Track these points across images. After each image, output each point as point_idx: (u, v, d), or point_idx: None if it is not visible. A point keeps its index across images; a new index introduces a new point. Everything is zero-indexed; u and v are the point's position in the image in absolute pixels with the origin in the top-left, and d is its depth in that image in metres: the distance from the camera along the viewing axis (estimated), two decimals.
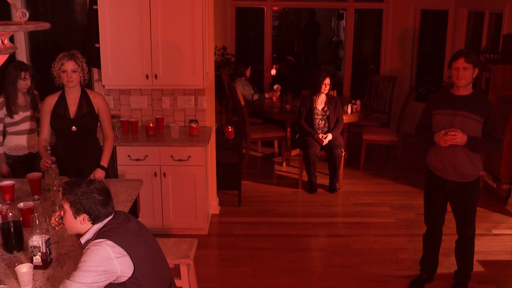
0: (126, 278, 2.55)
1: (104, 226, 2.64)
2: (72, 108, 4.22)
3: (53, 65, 4.15)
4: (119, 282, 2.56)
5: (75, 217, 2.63)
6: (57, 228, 2.82)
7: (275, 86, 8.24)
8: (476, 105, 3.87)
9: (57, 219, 2.78)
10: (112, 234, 2.56)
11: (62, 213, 2.71)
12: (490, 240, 5.29)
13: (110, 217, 2.68)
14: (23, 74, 4.64)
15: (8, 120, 4.69)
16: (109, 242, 2.51)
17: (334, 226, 5.74)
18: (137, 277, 2.56)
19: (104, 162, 4.28)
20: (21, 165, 4.78)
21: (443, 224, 4.36)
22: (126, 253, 2.53)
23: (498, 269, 4.76)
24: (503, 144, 4.00)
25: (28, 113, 4.75)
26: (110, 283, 2.54)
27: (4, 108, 4.64)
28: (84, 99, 4.25)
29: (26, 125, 4.76)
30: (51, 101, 4.23)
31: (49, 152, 4.08)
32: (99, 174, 4.20)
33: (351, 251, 5.13)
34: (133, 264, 2.55)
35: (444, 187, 4.14)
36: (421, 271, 4.54)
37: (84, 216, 2.62)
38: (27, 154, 4.81)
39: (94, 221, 2.63)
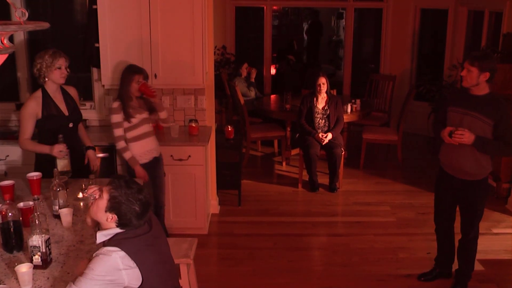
0: None
1: (122, 233, 2.55)
2: (62, 105, 4.26)
3: (40, 63, 4.11)
4: None
5: (106, 212, 2.54)
6: (85, 195, 2.65)
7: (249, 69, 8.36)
8: (488, 107, 3.83)
9: (91, 196, 2.67)
10: (126, 244, 2.49)
11: (97, 195, 2.60)
12: (490, 239, 5.29)
13: None
14: (136, 77, 4.50)
15: (126, 124, 4.54)
16: (121, 253, 2.45)
17: (334, 225, 5.74)
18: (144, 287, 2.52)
19: (90, 143, 4.61)
20: (148, 171, 4.67)
21: (453, 223, 4.35)
22: (135, 265, 2.48)
23: (498, 268, 4.76)
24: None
25: (144, 115, 4.64)
26: None
27: (122, 112, 4.50)
28: (66, 95, 4.33)
29: (144, 128, 4.65)
30: (35, 105, 4.14)
31: (61, 139, 4.07)
32: (92, 155, 4.51)
33: (351, 250, 5.13)
34: (142, 277, 2.50)
35: (451, 184, 4.14)
36: (434, 265, 4.57)
37: (114, 217, 2.53)
38: (152, 159, 4.74)
39: (121, 226, 2.55)
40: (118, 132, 4.53)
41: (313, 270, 4.79)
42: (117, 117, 4.50)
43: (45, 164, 4.11)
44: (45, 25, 2.41)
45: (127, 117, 4.49)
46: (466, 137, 3.80)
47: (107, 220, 2.54)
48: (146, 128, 4.66)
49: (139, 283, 2.51)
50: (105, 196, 2.55)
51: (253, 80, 8.37)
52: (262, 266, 4.82)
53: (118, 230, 2.55)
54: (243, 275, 4.67)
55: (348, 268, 4.79)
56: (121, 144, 4.57)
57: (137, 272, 2.49)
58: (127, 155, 4.58)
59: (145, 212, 2.57)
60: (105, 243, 2.56)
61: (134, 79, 4.48)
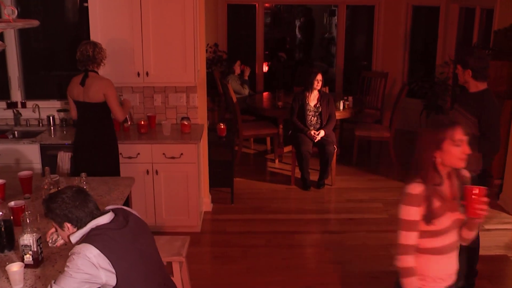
0: (111, 287, 2.52)
1: (96, 229, 2.56)
2: None
3: (100, 52, 4.59)
4: None
5: (62, 229, 2.61)
6: (57, 244, 2.79)
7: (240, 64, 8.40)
8: (473, 104, 3.88)
9: (52, 237, 2.79)
10: (100, 241, 2.49)
11: (54, 229, 2.74)
12: (482, 235, 5.25)
13: (106, 221, 2.60)
14: (449, 134, 2.56)
15: (422, 226, 2.58)
16: (94, 251, 2.45)
17: (327, 222, 5.75)
18: (120, 287, 2.51)
19: None
20: None
21: None
22: (110, 265, 2.47)
23: (490, 264, 4.78)
24: (494, 146, 3.90)
25: (457, 215, 2.65)
26: None
27: (424, 205, 2.55)
28: None
29: (452, 236, 2.67)
30: None
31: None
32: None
33: (344, 247, 5.13)
34: (116, 275, 2.49)
35: None
36: None
37: (67, 225, 2.59)
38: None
39: (78, 226, 2.58)
40: (407, 238, 2.58)
41: (306, 268, 4.79)
42: (411, 212, 2.56)
43: (84, 162, 4.61)
44: (35, 23, 2.41)
45: (428, 217, 2.55)
46: None
47: (69, 230, 2.60)
48: (453, 236, 2.68)
49: (115, 281, 2.50)
50: (52, 223, 2.66)
51: (246, 78, 8.38)
52: (255, 264, 4.82)
53: (82, 231, 2.57)
54: (236, 273, 4.67)
55: (341, 265, 4.80)
56: (405, 261, 2.60)
57: (111, 270, 2.48)
58: (407, 284, 2.64)
59: (83, 200, 2.60)
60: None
61: (446, 138, 2.56)
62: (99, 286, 2.50)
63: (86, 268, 2.43)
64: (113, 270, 2.48)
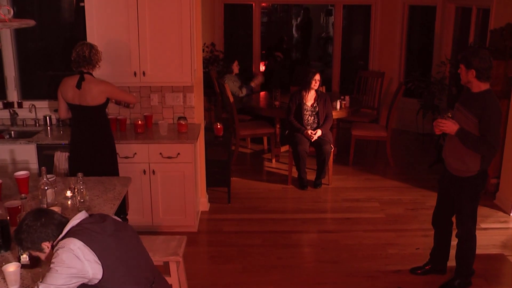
0: (97, 281, 2.52)
1: (77, 225, 2.60)
2: None
3: (97, 54, 4.58)
4: (91, 284, 2.53)
5: (44, 252, 2.61)
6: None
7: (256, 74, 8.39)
8: (475, 105, 3.87)
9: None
10: (82, 234, 2.52)
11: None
12: (478, 234, 5.26)
13: (84, 217, 2.66)
14: None
15: None
16: (78, 243, 2.48)
17: (323, 222, 5.75)
18: (107, 280, 2.52)
19: None
20: None
21: (449, 219, 4.38)
22: (94, 254, 2.49)
23: (486, 263, 4.79)
24: (493, 148, 3.87)
25: None
26: (83, 284, 2.52)
27: None
28: None
29: None
30: None
31: None
32: None
33: (341, 246, 5.14)
34: (102, 266, 2.51)
35: (445, 177, 4.23)
36: (429, 259, 4.60)
37: (44, 245, 2.59)
38: None
39: (54, 240, 2.59)
40: None
41: (303, 267, 4.80)
42: None
43: (82, 163, 4.59)
44: (30, 22, 2.41)
45: None
46: (447, 126, 3.89)
47: (49, 248, 2.60)
48: None
49: (101, 274, 2.52)
50: (32, 253, 2.68)
51: (253, 85, 8.32)
52: (252, 263, 4.83)
53: (62, 233, 2.58)
54: (233, 273, 4.67)
55: (337, 265, 4.80)
56: None
57: (97, 262, 2.50)
58: None
59: (46, 216, 2.61)
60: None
61: None
62: (86, 280, 2.51)
63: (71, 262, 2.44)
64: (99, 261, 2.49)
